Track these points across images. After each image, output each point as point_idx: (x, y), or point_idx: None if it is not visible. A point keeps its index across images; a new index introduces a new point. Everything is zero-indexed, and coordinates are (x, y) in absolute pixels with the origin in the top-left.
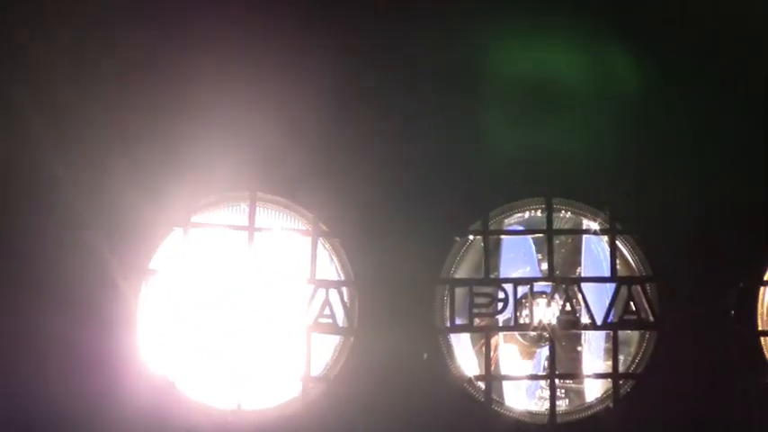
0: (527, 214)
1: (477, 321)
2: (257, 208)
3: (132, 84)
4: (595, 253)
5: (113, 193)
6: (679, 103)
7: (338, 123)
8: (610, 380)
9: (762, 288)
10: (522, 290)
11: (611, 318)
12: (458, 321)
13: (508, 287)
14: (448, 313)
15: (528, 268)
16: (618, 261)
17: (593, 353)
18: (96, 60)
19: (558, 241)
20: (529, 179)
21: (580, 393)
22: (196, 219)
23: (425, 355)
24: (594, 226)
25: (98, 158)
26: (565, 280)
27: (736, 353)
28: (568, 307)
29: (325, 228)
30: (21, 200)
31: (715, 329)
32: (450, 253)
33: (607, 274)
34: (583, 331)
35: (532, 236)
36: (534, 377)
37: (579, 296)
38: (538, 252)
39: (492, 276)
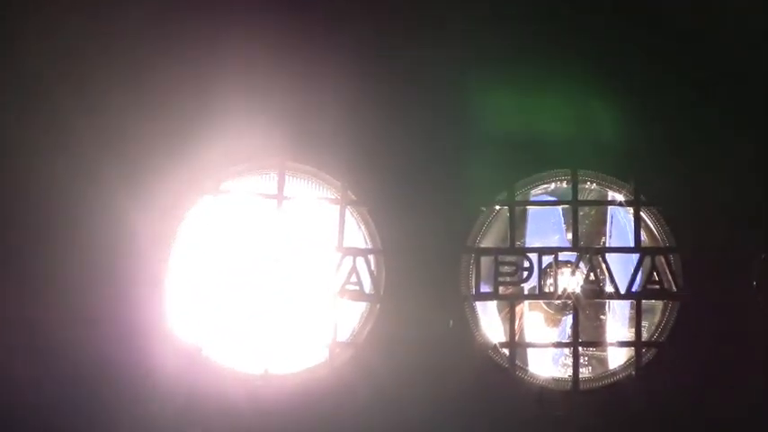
0: (553, 185)
1: (502, 290)
2: (286, 176)
3: (164, 50)
4: (621, 224)
5: (143, 159)
6: (705, 74)
7: (367, 93)
8: (632, 348)
9: None
10: (546, 259)
11: (634, 287)
12: (483, 289)
13: (533, 256)
14: (473, 281)
15: (557, 237)
16: (642, 232)
17: (617, 322)
18: (125, 21)
19: (583, 212)
20: (555, 150)
21: (603, 361)
22: (225, 186)
23: (451, 322)
24: (620, 197)
25: (129, 125)
26: (589, 250)
27: (757, 323)
28: (592, 276)
29: (353, 196)
30: (50, 165)
31: (738, 300)
32: (477, 222)
33: (632, 244)
34: (607, 300)
35: (559, 206)
36: (558, 345)
37: (603, 266)
38: (564, 222)
39: (517, 246)
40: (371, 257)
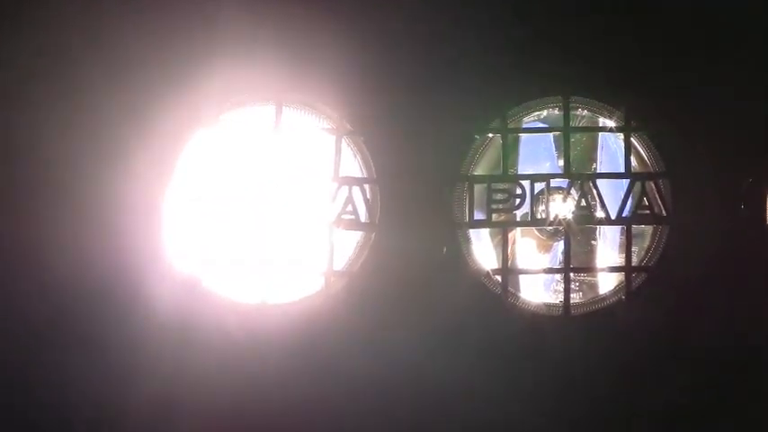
0: (545, 112)
1: (494, 217)
2: (284, 107)
3: None
4: (611, 150)
5: (142, 91)
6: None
7: (362, 25)
8: (623, 273)
9: None
10: (538, 186)
11: (624, 213)
12: (476, 217)
13: (525, 183)
14: (467, 209)
15: (548, 164)
16: (633, 158)
17: (608, 247)
18: None
19: (574, 139)
20: (546, 78)
21: (594, 286)
22: (224, 117)
23: (445, 250)
24: (610, 124)
25: (128, 56)
26: (581, 176)
27: (745, 246)
28: (584, 202)
29: (349, 126)
30: (48, 95)
31: (726, 223)
32: (470, 150)
33: (622, 170)
34: (597, 226)
35: (550, 133)
36: (549, 271)
37: (594, 192)
38: (555, 149)
39: (510, 173)
40: (367, 187)
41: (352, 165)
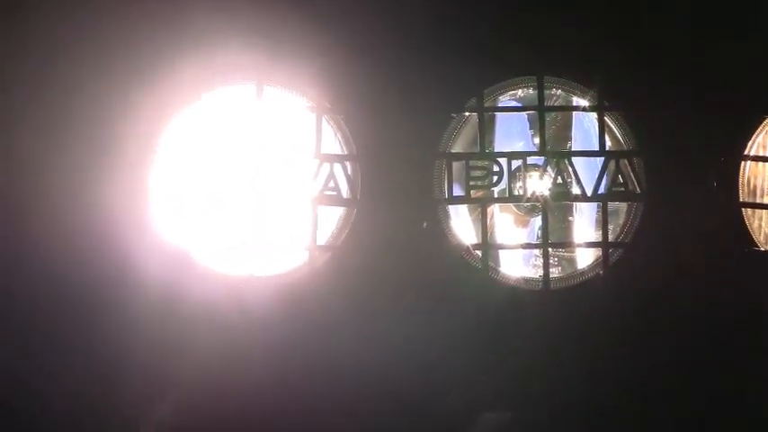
0: (520, 92)
1: (473, 193)
2: (265, 86)
3: None
4: (586, 128)
5: (128, 68)
6: None
7: (341, 4)
8: (600, 248)
9: (742, 162)
10: (515, 163)
11: (600, 190)
12: (455, 193)
13: (503, 161)
14: (446, 186)
15: (522, 143)
16: (607, 136)
17: (584, 223)
18: None
19: (549, 118)
20: (522, 57)
21: (572, 261)
22: (206, 96)
23: (425, 224)
24: (584, 103)
25: (110, 37)
26: (555, 154)
27: (716, 222)
28: (560, 179)
29: (328, 105)
30: (34, 75)
31: (699, 200)
32: (448, 128)
33: (596, 148)
34: (574, 203)
35: (525, 112)
36: (528, 246)
37: (570, 169)
38: (531, 128)
39: (487, 151)
40: (348, 164)
41: (333, 142)
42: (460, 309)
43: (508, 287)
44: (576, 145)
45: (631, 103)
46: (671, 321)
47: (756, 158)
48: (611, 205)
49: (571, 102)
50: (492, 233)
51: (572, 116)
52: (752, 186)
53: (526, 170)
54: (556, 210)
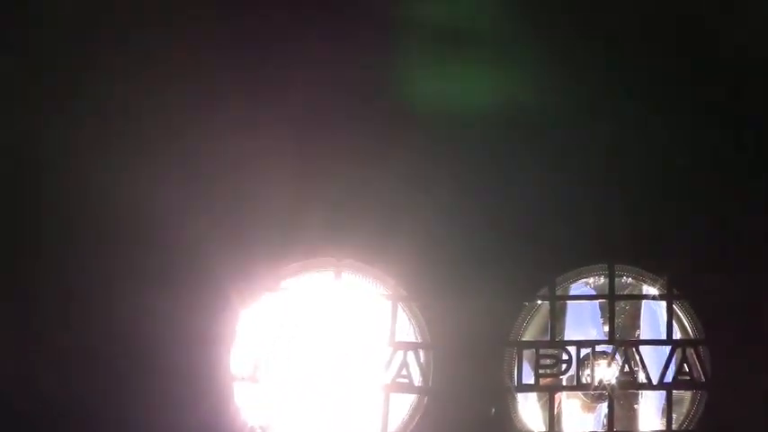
0: (592, 279)
1: (542, 380)
2: (342, 273)
3: (220, 159)
4: (654, 315)
5: (209, 259)
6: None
7: (417, 197)
8: None
9: None
10: (584, 351)
11: (666, 378)
12: (524, 380)
13: (572, 349)
14: (516, 373)
15: (594, 330)
16: (675, 324)
17: (650, 411)
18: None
19: (618, 307)
20: (593, 246)
21: None
22: (284, 283)
23: (493, 410)
24: (654, 291)
25: (188, 228)
26: (624, 343)
27: None
28: (627, 368)
29: (404, 292)
30: (119, 269)
31: (762, 390)
32: (519, 316)
33: (664, 336)
34: (639, 390)
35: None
36: None
37: (637, 357)
38: (601, 315)
39: (557, 339)
40: (421, 351)
41: (408, 328)
42: None
43: None
44: (644, 333)
45: (700, 292)
46: None
47: None
48: (677, 394)
49: (641, 290)
50: (559, 421)
51: (641, 304)
52: None
53: (594, 358)
54: (622, 398)
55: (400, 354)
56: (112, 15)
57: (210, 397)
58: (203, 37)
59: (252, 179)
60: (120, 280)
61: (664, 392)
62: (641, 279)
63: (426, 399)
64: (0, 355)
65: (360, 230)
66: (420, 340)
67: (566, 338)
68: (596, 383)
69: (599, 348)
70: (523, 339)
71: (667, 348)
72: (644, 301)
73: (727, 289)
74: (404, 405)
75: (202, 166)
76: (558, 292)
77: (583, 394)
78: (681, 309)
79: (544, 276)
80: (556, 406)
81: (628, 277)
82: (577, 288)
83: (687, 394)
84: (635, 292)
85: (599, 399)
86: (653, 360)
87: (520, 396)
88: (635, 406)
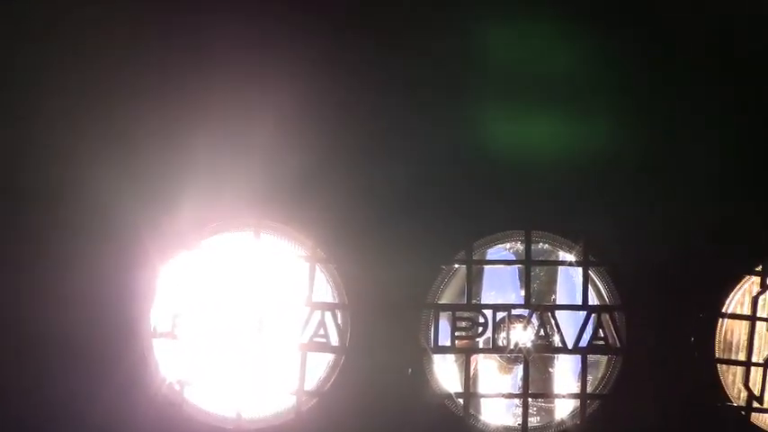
0: (509, 244)
1: (458, 342)
2: (261, 233)
3: (142, 119)
4: (570, 281)
5: (122, 217)
6: (654, 143)
7: (335, 156)
8: (578, 399)
9: (719, 319)
10: (500, 315)
11: (581, 343)
12: (441, 342)
13: (488, 312)
14: (432, 335)
15: (512, 293)
16: (591, 290)
17: (565, 374)
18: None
19: (534, 272)
20: (510, 212)
21: (551, 411)
22: (202, 242)
23: (410, 371)
24: (570, 257)
25: (108, 185)
26: (539, 307)
27: (694, 377)
28: (542, 332)
29: (322, 254)
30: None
31: (676, 356)
32: (436, 280)
33: (580, 301)
34: (555, 354)
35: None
36: (509, 396)
37: (553, 322)
38: (519, 279)
39: (474, 302)
40: (338, 312)
41: (325, 289)
42: None
43: None
44: (560, 298)
45: (616, 259)
46: None
47: (733, 316)
48: (592, 357)
49: (558, 256)
50: (475, 381)
51: (558, 270)
52: (727, 342)
53: (510, 321)
54: (537, 360)
55: (318, 314)
56: None
57: (131, 353)
58: None
59: (173, 140)
60: (35, 235)
61: (579, 356)
62: (558, 245)
63: (343, 358)
64: None
65: (280, 193)
66: (337, 301)
67: (484, 302)
68: (512, 346)
69: (515, 312)
70: (440, 302)
71: (583, 314)
72: (560, 267)
73: (644, 256)
74: (321, 364)
75: (125, 124)
76: (476, 257)
77: (499, 356)
78: (597, 275)
79: (462, 241)
80: (472, 367)
81: (545, 244)
82: (497, 253)
83: (603, 358)
84: (552, 258)
85: (515, 361)
86: (569, 324)
87: (437, 357)
88: (550, 369)
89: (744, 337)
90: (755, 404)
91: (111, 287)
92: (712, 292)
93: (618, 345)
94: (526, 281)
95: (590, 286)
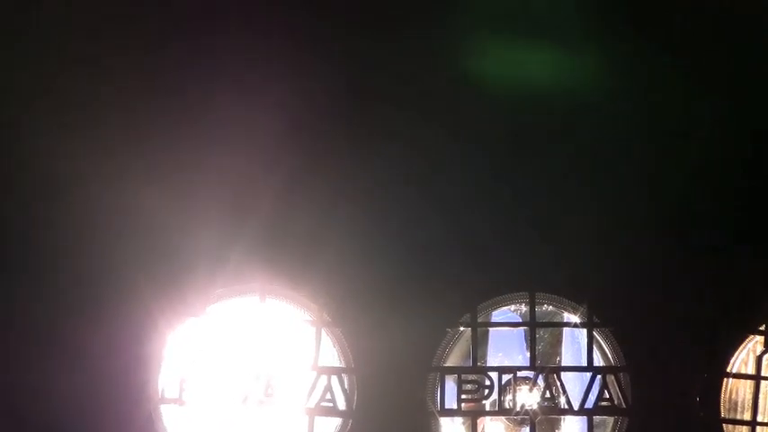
0: (513, 306)
1: (464, 405)
2: (267, 298)
3: (148, 187)
4: (575, 342)
5: (133, 283)
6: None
7: (339, 222)
8: None
9: (724, 379)
10: (506, 377)
11: (587, 404)
12: (448, 405)
13: (494, 375)
14: (438, 398)
15: (519, 356)
16: (596, 351)
17: None
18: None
19: (539, 333)
20: (515, 275)
21: None
22: (209, 308)
23: None
24: (574, 319)
25: (115, 252)
26: (545, 369)
27: None
28: (548, 393)
29: (328, 318)
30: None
31: (682, 416)
32: (442, 343)
33: (585, 363)
34: (561, 415)
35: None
36: None
37: (558, 384)
38: (524, 340)
39: (479, 365)
40: (344, 376)
41: (331, 353)
42: None
43: None
44: (565, 359)
45: (620, 321)
46: None
47: (738, 376)
48: (598, 418)
49: (562, 317)
50: None
51: (562, 331)
52: (732, 401)
53: (516, 383)
54: (544, 422)
55: (324, 378)
56: None
57: (138, 419)
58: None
59: (178, 207)
60: (46, 306)
61: (586, 417)
62: (562, 307)
63: (350, 422)
64: None
65: (284, 258)
66: (344, 365)
67: (492, 364)
68: (518, 408)
69: (521, 374)
70: (446, 365)
71: (588, 375)
72: (565, 328)
73: (647, 317)
74: (328, 429)
75: (131, 192)
76: (481, 319)
77: (506, 419)
78: (601, 336)
79: (466, 304)
80: (479, 430)
81: (549, 305)
82: (502, 314)
83: (609, 419)
84: (557, 320)
85: (521, 423)
86: (575, 385)
87: (444, 420)
88: (557, 430)
89: (749, 397)
90: None
91: (120, 354)
92: (717, 351)
93: (624, 405)
94: (531, 343)
95: (595, 347)
